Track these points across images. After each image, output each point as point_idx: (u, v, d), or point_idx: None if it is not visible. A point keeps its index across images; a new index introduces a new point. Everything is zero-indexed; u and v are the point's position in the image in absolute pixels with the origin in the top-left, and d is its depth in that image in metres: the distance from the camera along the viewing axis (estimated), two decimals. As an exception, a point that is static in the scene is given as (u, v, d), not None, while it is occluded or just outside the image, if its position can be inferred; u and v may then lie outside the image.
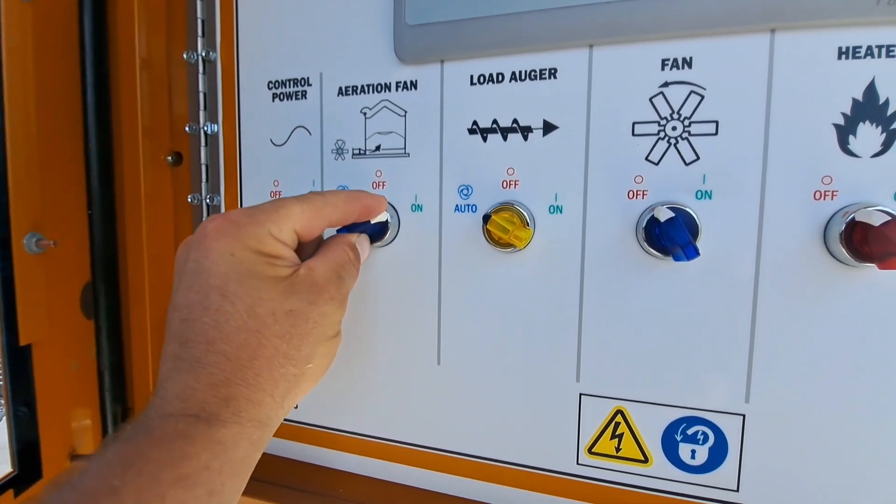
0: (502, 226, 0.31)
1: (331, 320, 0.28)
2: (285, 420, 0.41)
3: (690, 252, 0.27)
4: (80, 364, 0.41)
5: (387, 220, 0.35)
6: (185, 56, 0.41)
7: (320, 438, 0.41)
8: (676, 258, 0.28)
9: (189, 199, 0.43)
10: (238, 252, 0.26)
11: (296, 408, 0.41)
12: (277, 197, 0.40)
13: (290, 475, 0.41)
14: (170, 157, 0.44)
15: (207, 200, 0.42)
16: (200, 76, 0.42)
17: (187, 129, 0.42)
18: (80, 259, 0.41)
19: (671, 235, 0.28)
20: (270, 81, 0.40)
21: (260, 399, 0.25)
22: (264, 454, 0.27)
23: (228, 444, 0.24)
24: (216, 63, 0.41)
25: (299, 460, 0.42)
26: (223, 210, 0.42)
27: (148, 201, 0.43)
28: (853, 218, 0.26)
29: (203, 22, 0.41)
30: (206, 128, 0.42)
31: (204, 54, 0.41)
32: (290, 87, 0.39)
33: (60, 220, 0.39)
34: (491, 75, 0.33)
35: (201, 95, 0.42)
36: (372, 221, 0.34)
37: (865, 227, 0.26)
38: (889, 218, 0.25)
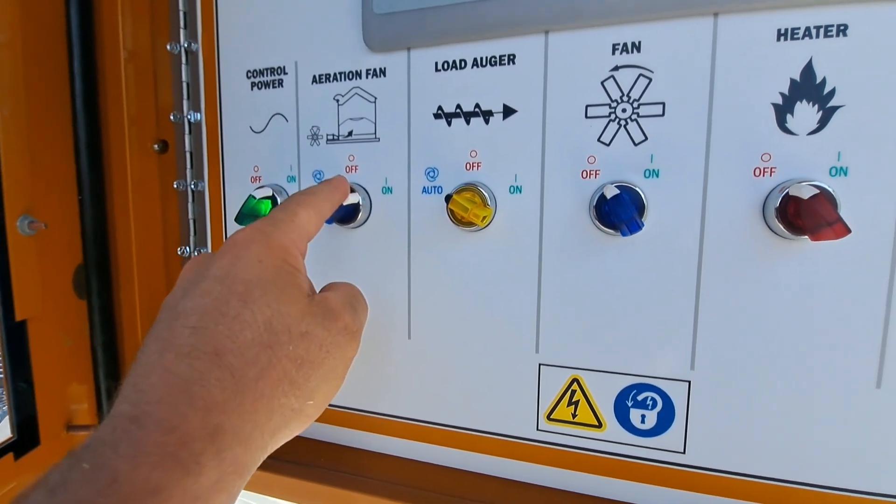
0: (462, 205, 0.32)
1: (342, 354, 0.26)
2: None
3: (633, 226, 0.29)
4: (74, 341, 0.43)
5: (358, 202, 0.37)
6: (168, 47, 0.43)
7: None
8: (623, 233, 0.29)
9: (175, 185, 0.45)
10: (266, 259, 0.25)
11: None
12: (258, 183, 0.42)
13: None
14: (156, 145, 0.46)
15: (192, 186, 0.44)
16: (183, 67, 0.43)
17: (172, 117, 0.44)
18: (71, 242, 0.43)
19: (617, 212, 0.29)
20: (249, 71, 0.41)
21: (248, 434, 0.22)
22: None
23: (203, 501, 0.20)
24: (198, 54, 0.43)
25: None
26: (207, 196, 0.44)
27: (135, 187, 0.45)
28: (787, 193, 0.28)
29: (185, 14, 0.43)
30: (189, 116, 0.44)
31: (186, 45, 0.43)
32: (267, 75, 0.41)
33: (52, 204, 0.42)
34: (454, 62, 0.35)
35: (184, 85, 0.44)
36: (344, 203, 0.36)
37: (797, 201, 0.27)
38: (817, 191, 0.26)
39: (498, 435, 0.37)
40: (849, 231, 0.25)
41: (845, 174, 0.28)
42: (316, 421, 0.42)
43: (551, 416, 0.35)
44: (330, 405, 0.42)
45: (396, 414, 0.40)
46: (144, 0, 0.45)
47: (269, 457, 0.42)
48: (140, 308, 0.45)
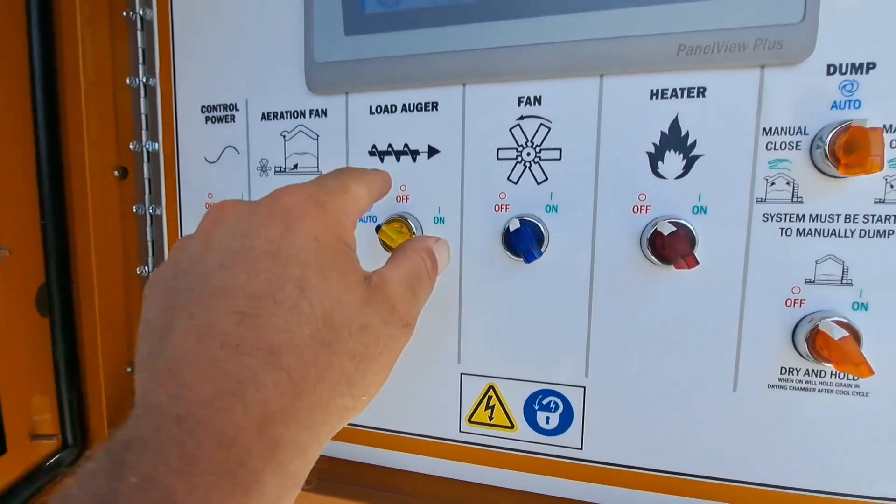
0: (390, 235, 0.37)
1: (397, 346, 0.24)
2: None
3: (530, 257, 0.34)
4: (38, 356, 0.46)
5: (301, 229, 0.41)
6: (128, 81, 0.46)
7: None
8: (525, 261, 0.34)
9: (134, 210, 0.48)
10: (323, 237, 0.21)
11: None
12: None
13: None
14: (116, 172, 0.49)
15: (150, 211, 0.48)
16: (142, 100, 0.47)
17: (131, 146, 0.47)
18: (35, 264, 0.46)
19: (518, 243, 0.34)
20: (203, 106, 0.45)
21: (307, 443, 0.19)
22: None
23: None
24: (156, 88, 0.46)
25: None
26: (165, 222, 0.47)
27: (96, 211, 0.48)
28: (655, 228, 0.33)
29: (143, 51, 0.46)
30: (147, 146, 0.47)
31: (145, 80, 0.46)
32: (220, 111, 0.44)
33: (16, 231, 0.44)
34: (386, 106, 0.39)
35: (143, 117, 0.47)
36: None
37: (661, 236, 0.33)
38: (675, 229, 0.32)
39: (426, 437, 0.41)
40: (697, 263, 0.31)
41: (705, 212, 0.34)
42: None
43: (472, 419, 0.40)
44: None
45: (338, 419, 0.44)
46: (105, 36, 0.48)
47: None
48: (100, 324, 0.48)
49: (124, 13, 0.46)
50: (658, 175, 0.34)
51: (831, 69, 0.31)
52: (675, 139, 0.34)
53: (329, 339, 0.20)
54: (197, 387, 0.18)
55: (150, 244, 0.48)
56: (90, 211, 0.47)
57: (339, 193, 0.24)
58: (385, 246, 0.38)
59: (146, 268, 0.48)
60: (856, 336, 0.31)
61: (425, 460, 0.41)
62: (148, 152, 0.47)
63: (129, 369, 0.51)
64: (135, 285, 0.50)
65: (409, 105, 0.39)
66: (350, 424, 0.43)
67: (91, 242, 0.47)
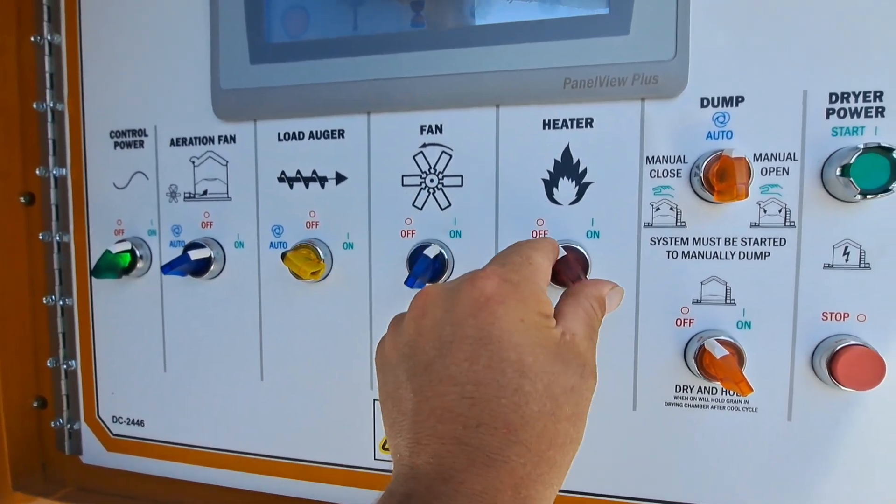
0: (294, 262, 0.37)
1: (592, 394, 0.25)
2: (130, 437, 0.46)
3: (411, 281, 0.33)
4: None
5: (210, 256, 0.40)
6: (35, 106, 0.45)
7: (162, 452, 0.45)
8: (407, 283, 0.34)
9: (41, 237, 0.46)
10: (527, 317, 0.24)
11: (142, 425, 0.45)
12: (121, 236, 0.44)
13: (136, 487, 0.45)
14: (23, 198, 0.47)
15: (58, 238, 0.46)
16: (49, 125, 0.45)
17: (38, 172, 0.46)
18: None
19: (416, 269, 0.34)
20: (112, 131, 0.44)
21: (549, 497, 0.23)
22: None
23: None
24: (64, 113, 0.45)
25: (142, 473, 0.46)
26: (73, 250, 0.46)
27: (2, 239, 0.46)
28: (549, 253, 0.34)
29: (51, 75, 0.45)
30: (55, 171, 0.45)
31: (52, 105, 0.45)
32: (129, 136, 0.43)
33: None
34: (294, 133, 0.39)
35: (50, 142, 0.46)
36: (194, 258, 0.39)
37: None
38: (565, 254, 0.33)
39: (339, 465, 0.40)
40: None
41: (598, 237, 0.35)
42: (186, 463, 0.44)
43: (385, 447, 0.39)
44: (192, 446, 0.44)
45: (251, 451, 0.42)
46: (12, 59, 0.47)
47: (130, 497, 0.43)
48: (3, 355, 0.45)
49: (32, 38, 0.45)
50: (554, 201, 0.35)
51: (704, 102, 0.33)
52: (567, 167, 0.35)
53: (552, 409, 0.23)
54: (451, 460, 0.21)
55: (57, 273, 0.46)
56: (-8, 239, 0.45)
57: (526, 267, 0.26)
58: (294, 274, 0.38)
59: (53, 297, 0.46)
60: (739, 354, 0.33)
61: (339, 490, 0.41)
62: (55, 178, 0.46)
63: (35, 404, 0.48)
64: (42, 315, 0.48)
65: (316, 132, 0.39)
66: (269, 456, 0.42)
67: (-7, 272, 0.44)
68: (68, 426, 0.47)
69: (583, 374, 0.24)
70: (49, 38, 0.45)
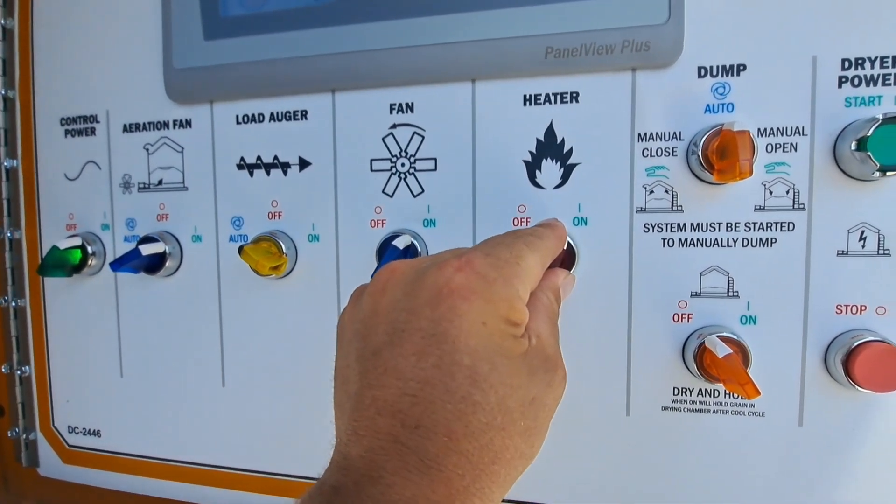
0: (252, 257, 0.33)
1: (559, 400, 0.23)
2: (87, 449, 0.42)
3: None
4: None
5: (164, 251, 0.37)
6: (-17, 93, 0.42)
7: (120, 465, 0.42)
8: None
9: (-9, 234, 0.43)
10: (490, 321, 0.21)
11: (98, 435, 0.42)
12: (73, 231, 0.41)
13: (94, 503, 0.41)
14: (-28, 192, 0.44)
15: (9, 234, 0.43)
16: (1, 114, 0.42)
17: (-13, 164, 0.42)
18: None
19: (384, 262, 0.31)
20: (63, 118, 0.41)
21: None
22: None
23: None
24: (15, 100, 0.42)
25: (101, 487, 0.42)
26: (24, 244, 0.42)
27: (-53, 236, 0.43)
28: (531, 242, 0.31)
29: (4, 61, 0.42)
30: (6, 163, 0.42)
31: (4, 92, 0.42)
32: (80, 123, 0.40)
33: None
34: (253, 115, 0.36)
35: (1, 132, 0.42)
36: (145, 253, 0.36)
37: (536, 250, 0.30)
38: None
39: (307, 478, 0.37)
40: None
41: (586, 223, 0.32)
42: (145, 476, 0.41)
43: (355, 457, 0.36)
44: (151, 458, 0.41)
45: (211, 463, 0.39)
46: (-41, 44, 0.44)
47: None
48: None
49: (-18, 21, 0.42)
50: (536, 185, 0.32)
51: (702, 71, 0.30)
52: (551, 147, 0.32)
53: (503, 423, 0.21)
54: (384, 461, 0.20)
55: (9, 271, 0.43)
56: (-64, 236, 0.42)
57: (511, 266, 0.23)
58: (253, 270, 0.35)
59: (5, 298, 0.43)
60: (743, 352, 0.29)
61: None
62: (7, 170, 0.42)
63: None
64: (-6, 318, 0.45)
65: (277, 114, 0.36)
66: (231, 468, 0.39)
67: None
68: (24, 436, 0.44)
69: (550, 383, 0.22)
70: (3, 22, 0.42)
